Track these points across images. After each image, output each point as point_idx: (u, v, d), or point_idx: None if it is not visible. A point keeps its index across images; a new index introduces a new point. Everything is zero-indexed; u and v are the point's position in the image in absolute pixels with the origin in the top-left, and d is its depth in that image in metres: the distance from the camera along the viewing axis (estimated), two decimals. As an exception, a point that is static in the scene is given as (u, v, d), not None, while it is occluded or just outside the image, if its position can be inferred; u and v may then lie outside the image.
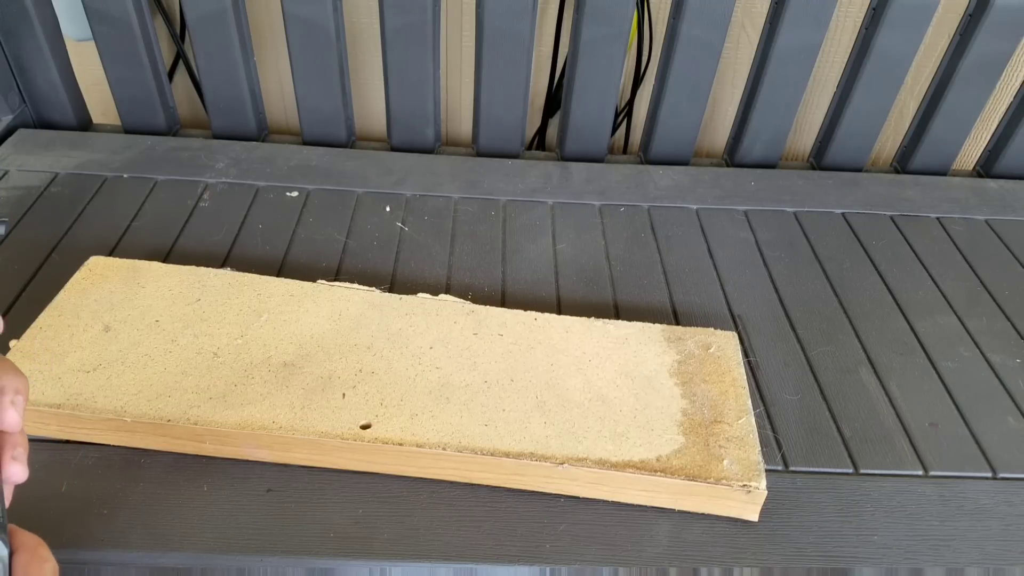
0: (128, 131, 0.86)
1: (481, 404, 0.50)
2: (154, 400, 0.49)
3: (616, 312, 0.64)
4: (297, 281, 0.59)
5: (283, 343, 0.54)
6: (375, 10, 0.79)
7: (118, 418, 0.48)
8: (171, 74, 0.97)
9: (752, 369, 0.59)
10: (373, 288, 0.60)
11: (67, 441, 0.50)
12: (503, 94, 0.83)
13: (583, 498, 0.48)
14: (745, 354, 0.59)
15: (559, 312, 0.61)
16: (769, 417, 0.55)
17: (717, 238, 0.74)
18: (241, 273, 0.60)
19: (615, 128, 1.01)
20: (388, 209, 0.74)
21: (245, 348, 0.53)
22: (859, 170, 0.88)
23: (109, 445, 0.50)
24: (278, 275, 0.62)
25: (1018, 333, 0.64)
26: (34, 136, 0.82)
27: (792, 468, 0.52)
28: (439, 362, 0.53)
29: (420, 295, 0.59)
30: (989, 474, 0.52)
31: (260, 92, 0.87)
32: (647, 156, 0.88)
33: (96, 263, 0.60)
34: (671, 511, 0.48)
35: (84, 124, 0.88)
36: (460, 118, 1.02)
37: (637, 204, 0.78)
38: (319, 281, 0.60)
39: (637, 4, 0.90)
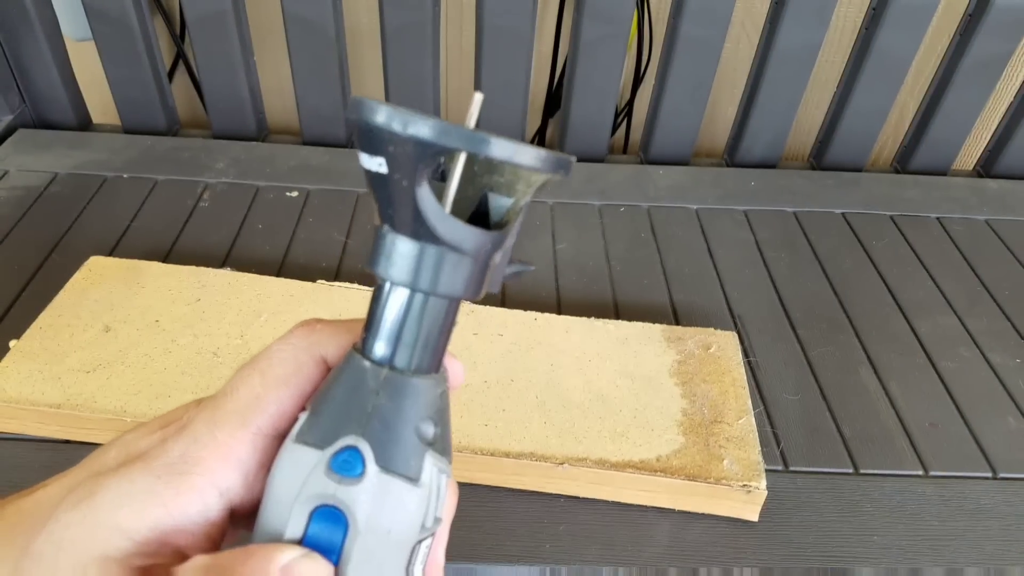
0: (128, 131, 0.86)
1: (481, 404, 0.50)
2: (154, 400, 0.49)
3: (616, 312, 0.64)
4: (297, 281, 0.59)
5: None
6: (375, 9, 0.78)
7: (118, 418, 0.48)
8: (171, 74, 0.97)
9: (752, 369, 0.59)
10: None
11: (67, 441, 0.50)
12: (503, 93, 0.83)
13: (583, 498, 0.48)
14: (745, 354, 0.59)
15: (559, 312, 0.61)
16: (769, 417, 0.55)
17: (717, 238, 0.74)
18: (241, 273, 0.60)
19: (615, 128, 1.01)
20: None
21: (245, 348, 0.53)
22: (859, 170, 0.88)
23: (109, 445, 0.50)
24: (278, 275, 0.62)
25: (1018, 333, 0.64)
26: (34, 136, 0.82)
27: (792, 468, 0.52)
28: (439, 362, 0.53)
29: (420, 295, 0.59)
30: (989, 474, 0.52)
31: (260, 92, 0.87)
32: (647, 156, 0.88)
33: (96, 263, 0.60)
34: (671, 511, 0.48)
35: (84, 124, 0.88)
36: (460, 117, 1.02)
37: (637, 204, 0.78)
38: (319, 281, 0.60)
39: (637, 3, 0.90)
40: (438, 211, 0.20)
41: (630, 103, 1.00)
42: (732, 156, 0.89)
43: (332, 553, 0.21)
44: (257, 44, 0.84)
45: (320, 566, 0.20)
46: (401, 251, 0.21)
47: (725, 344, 0.56)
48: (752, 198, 0.80)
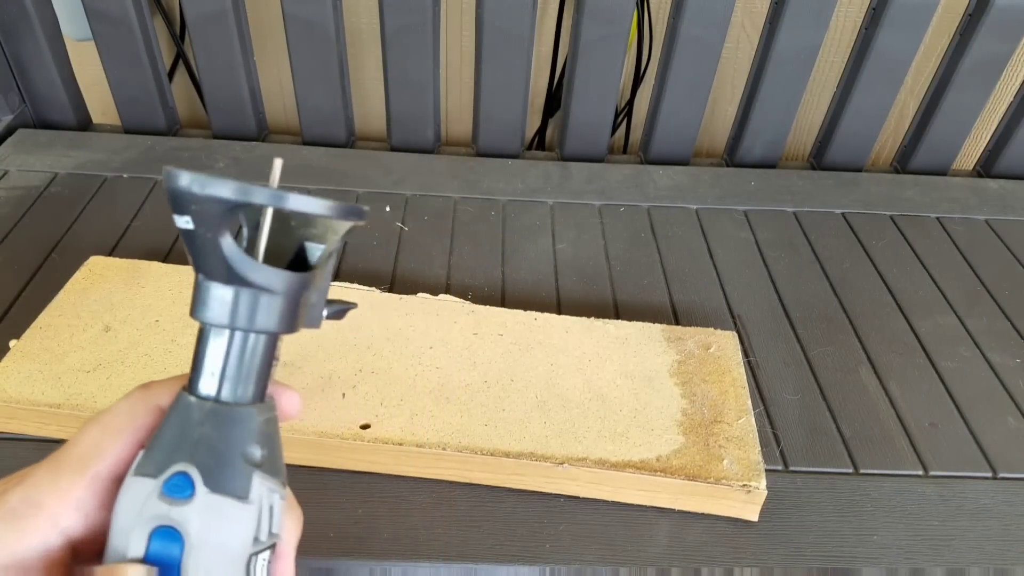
0: (128, 131, 0.86)
1: (481, 404, 0.50)
2: (154, 400, 0.49)
3: (616, 312, 0.64)
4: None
5: (283, 343, 0.54)
6: (375, 10, 0.79)
7: (118, 418, 0.48)
8: (171, 74, 0.97)
9: (752, 369, 0.59)
10: (373, 288, 0.60)
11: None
12: (503, 94, 0.83)
13: (583, 498, 0.48)
14: (745, 354, 0.59)
15: (559, 312, 0.61)
16: (769, 417, 0.55)
17: (717, 238, 0.74)
18: (241, 273, 0.60)
19: (615, 128, 1.01)
20: (388, 209, 0.74)
21: (245, 348, 0.53)
22: (859, 170, 0.88)
23: (109, 445, 0.50)
24: (278, 275, 0.61)
25: (1018, 333, 0.64)
26: (34, 136, 0.82)
27: (792, 468, 0.52)
28: (439, 362, 0.53)
29: (420, 295, 0.59)
30: (989, 474, 0.52)
31: (260, 92, 0.87)
32: (647, 156, 0.88)
33: (96, 263, 0.60)
34: (671, 511, 0.48)
35: (84, 124, 0.88)
36: (460, 118, 1.02)
37: (637, 204, 0.78)
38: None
39: (637, 4, 0.90)
40: (242, 257, 0.23)
41: (630, 103, 1.00)
42: (732, 156, 0.89)
43: (172, 568, 0.23)
44: (257, 44, 0.84)
45: None
46: (214, 295, 0.24)
47: (725, 344, 0.56)
48: (752, 198, 0.80)
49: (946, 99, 0.83)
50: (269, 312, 0.25)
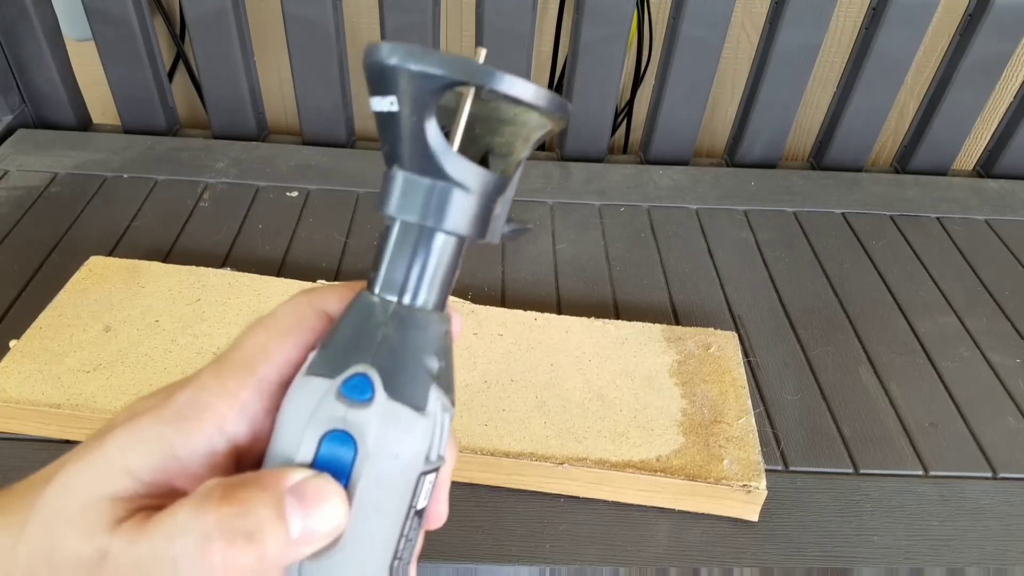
0: (128, 131, 0.86)
1: (481, 404, 0.50)
2: (154, 400, 0.49)
3: (616, 312, 0.64)
4: (297, 281, 0.59)
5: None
6: (375, 10, 0.79)
7: (118, 418, 0.48)
8: (171, 74, 0.97)
9: (752, 369, 0.59)
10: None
11: (67, 441, 0.50)
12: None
13: (583, 498, 0.48)
14: (745, 354, 0.59)
15: (559, 312, 0.61)
16: (769, 417, 0.55)
17: (717, 238, 0.74)
18: (241, 273, 0.60)
19: (615, 128, 1.01)
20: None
21: (245, 348, 0.53)
22: (859, 170, 0.88)
23: (109, 445, 0.49)
24: (278, 275, 0.62)
25: (1018, 333, 0.64)
26: (34, 136, 0.82)
27: (792, 468, 0.52)
28: (439, 362, 0.53)
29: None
30: (989, 474, 0.52)
31: (260, 92, 0.87)
32: (647, 156, 0.88)
33: (96, 263, 0.60)
34: (671, 511, 0.48)
35: (84, 124, 0.88)
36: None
37: (637, 204, 0.78)
38: (319, 281, 0.60)
39: (637, 4, 0.90)
40: (445, 146, 0.21)
41: (630, 103, 1.00)
42: (732, 156, 0.89)
43: (342, 476, 0.21)
44: (257, 44, 0.84)
45: (330, 485, 0.21)
46: (410, 188, 0.22)
47: (725, 344, 0.56)
48: (752, 198, 0.80)
49: (946, 99, 0.83)
50: (463, 212, 0.22)
